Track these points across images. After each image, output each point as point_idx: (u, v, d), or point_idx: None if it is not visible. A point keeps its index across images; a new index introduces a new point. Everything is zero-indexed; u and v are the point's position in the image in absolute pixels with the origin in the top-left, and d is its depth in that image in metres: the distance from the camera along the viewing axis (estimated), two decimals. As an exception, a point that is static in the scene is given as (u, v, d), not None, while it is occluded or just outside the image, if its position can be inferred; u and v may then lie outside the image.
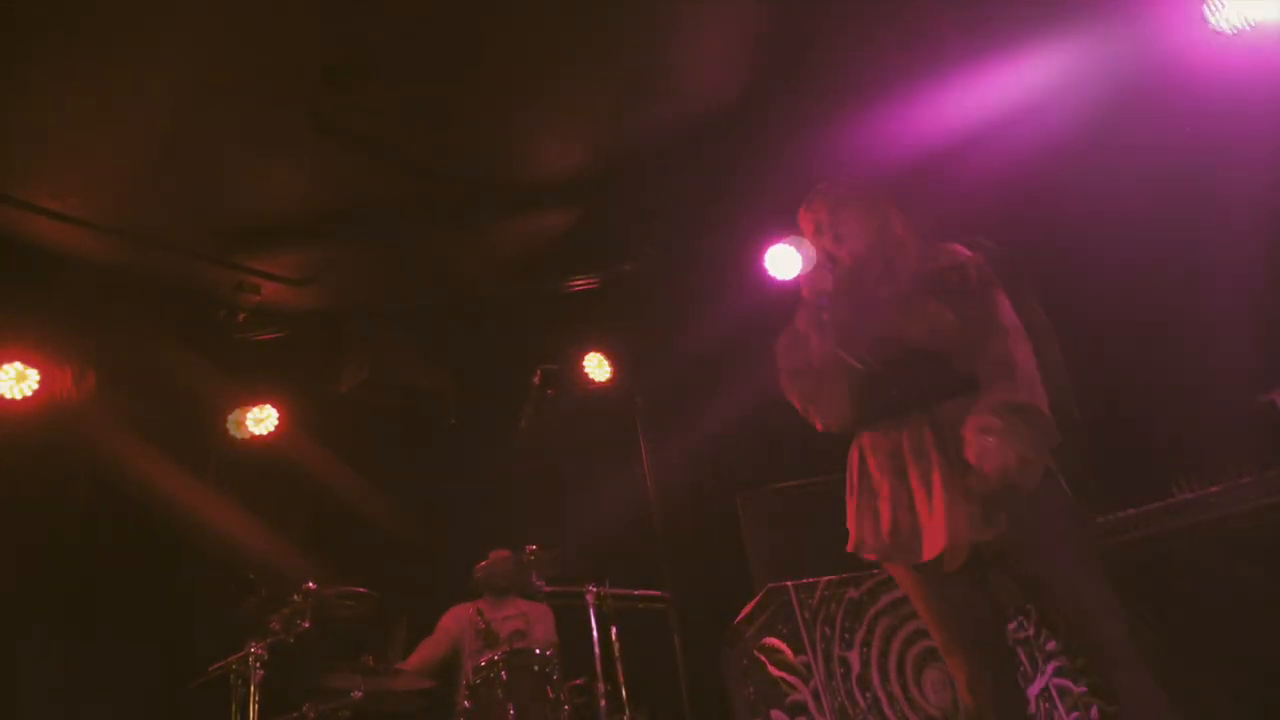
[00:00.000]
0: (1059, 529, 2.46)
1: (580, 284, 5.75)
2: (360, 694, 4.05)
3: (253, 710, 3.91)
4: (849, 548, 2.70)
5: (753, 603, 4.27)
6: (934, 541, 2.51)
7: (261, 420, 5.63)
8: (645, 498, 4.47)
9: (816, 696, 3.88)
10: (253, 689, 3.93)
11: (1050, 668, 3.89)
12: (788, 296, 2.76)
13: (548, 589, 4.32)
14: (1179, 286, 4.06)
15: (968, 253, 2.70)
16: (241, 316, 5.36)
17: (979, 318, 2.55)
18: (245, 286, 5.32)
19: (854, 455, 2.76)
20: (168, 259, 5.10)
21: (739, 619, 4.38)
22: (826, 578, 4.08)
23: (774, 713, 3.97)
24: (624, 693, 4.18)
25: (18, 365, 4.95)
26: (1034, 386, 2.47)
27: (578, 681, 4.29)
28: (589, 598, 4.24)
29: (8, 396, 4.87)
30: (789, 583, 4.05)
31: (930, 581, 2.60)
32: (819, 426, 2.73)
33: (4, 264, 4.80)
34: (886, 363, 2.63)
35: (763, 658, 4.11)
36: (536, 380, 5.11)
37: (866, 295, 2.66)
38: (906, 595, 2.71)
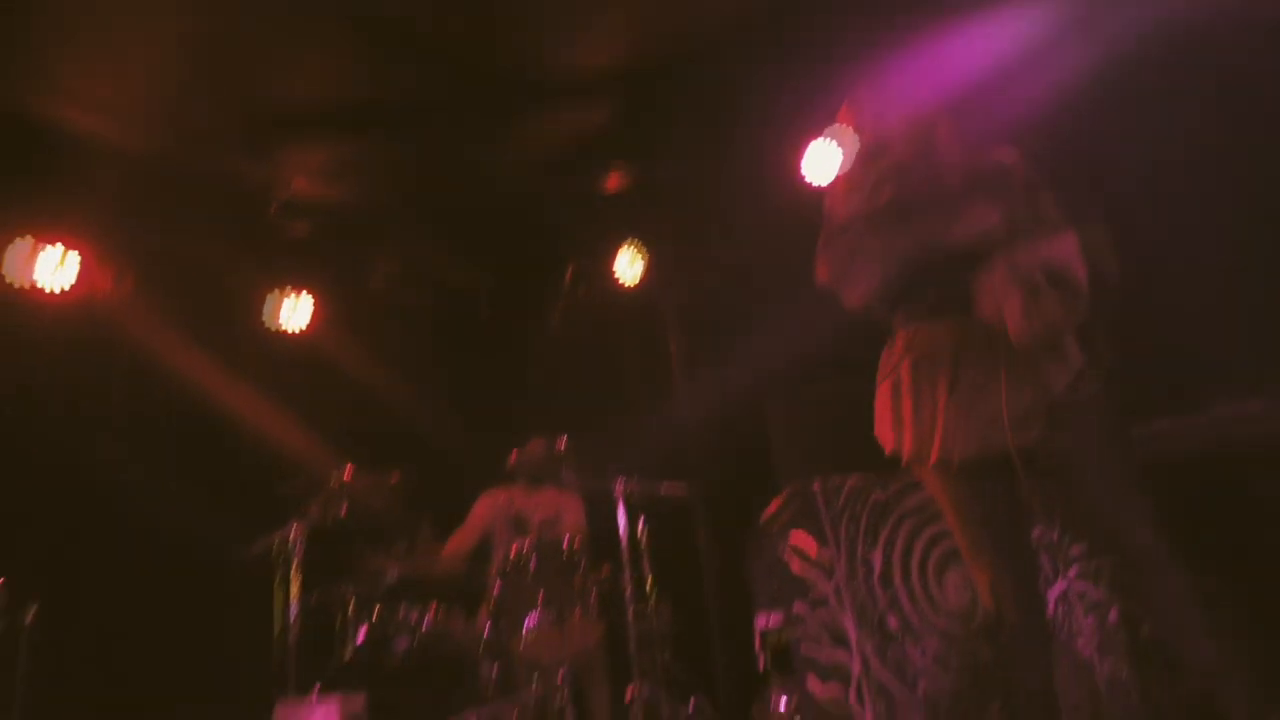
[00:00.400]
0: (1094, 436, 2.44)
1: (614, 182, 5.63)
2: (394, 577, 4.14)
3: (294, 587, 4.00)
4: (887, 450, 2.68)
5: (779, 500, 4.26)
6: (959, 444, 2.48)
7: (297, 311, 5.60)
8: (674, 395, 4.46)
9: (838, 592, 3.88)
10: (294, 567, 4.03)
11: (1072, 571, 3.88)
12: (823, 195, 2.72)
13: (578, 480, 4.35)
14: (1222, 175, 3.88)
15: (1014, 155, 2.64)
16: (274, 209, 5.36)
17: (1026, 217, 2.51)
18: (278, 180, 5.30)
19: (888, 355, 2.72)
20: (202, 151, 5.07)
21: (765, 516, 4.37)
22: (853, 478, 4.04)
23: (796, 604, 4.00)
24: (648, 582, 4.19)
25: (59, 247, 4.93)
26: (1079, 274, 2.43)
27: (604, 571, 4.25)
28: (617, 490, 4.19)
29: (47, 289, 4.87)
30: (816, 482, 4.03)
31: (957, 484, 2.57)
32: (847, 303, 2.68)
33: (42, 154, 4.77)
34: (928, 264, 2.59)
35: (787, 554, 4.13)
36: (568, 278, 5.08)
37: (907, 201, 2.60)
38: (932, 498, 2.69)
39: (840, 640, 3.81)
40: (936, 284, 2.58)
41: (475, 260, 5.95)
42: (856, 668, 3.75)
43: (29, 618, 3.79)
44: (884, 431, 2.68)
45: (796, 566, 4.05)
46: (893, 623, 3.82)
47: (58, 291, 4.88)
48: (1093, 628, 3.78)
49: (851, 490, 4.02)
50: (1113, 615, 3.72)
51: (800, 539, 4.07)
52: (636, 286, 5.44)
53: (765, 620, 4.30)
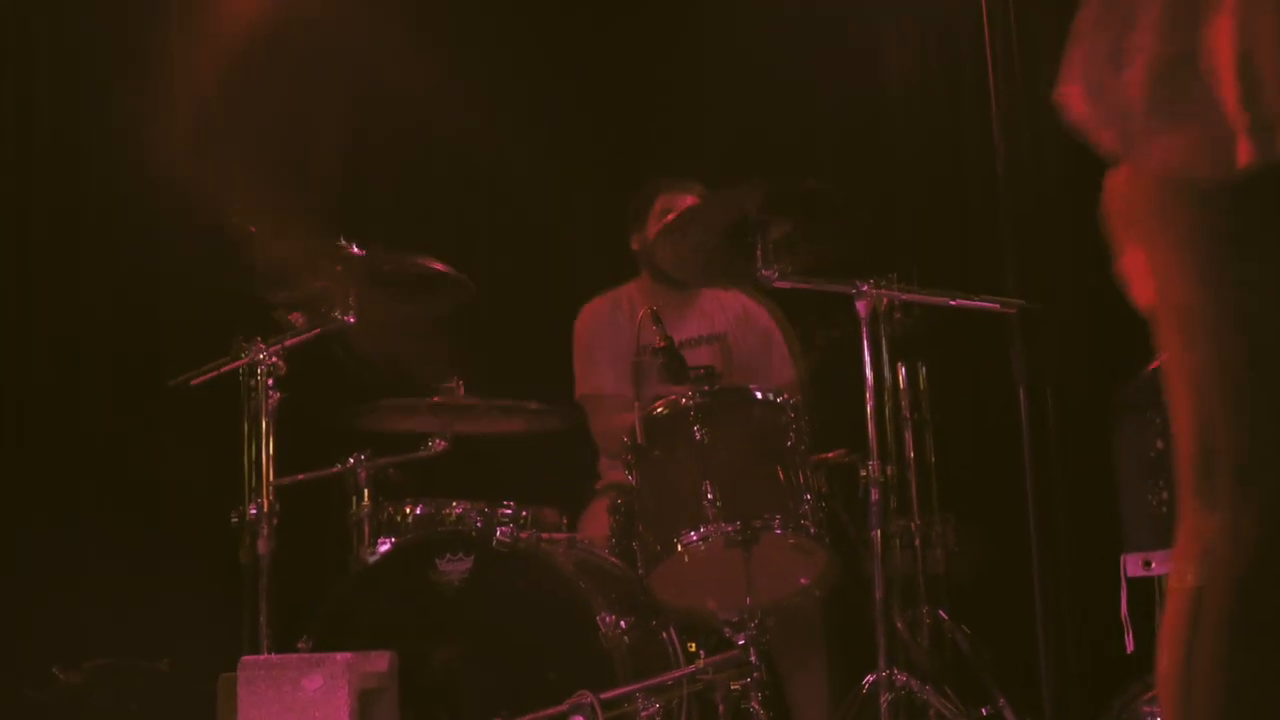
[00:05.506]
0: None
1: None
2: (445, 444, 3.61)
3: (265, 451, 3.36)
4: None
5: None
6: None
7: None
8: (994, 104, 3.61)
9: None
10: (263, 422, 3.38)
11: None
12: None
13: (785, 284, 3.45)
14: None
15: None
16: None
17: None
18: None
19: None
20: None
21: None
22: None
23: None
24: (914, 484, 3.68)
25: None
26: None
27: (831, 455, 3.62)
28: (861, 306, 3.38)
29: None
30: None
31: None
32: None
33: None
34: None
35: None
36: None
37: None
38: None
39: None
40: None
41: None
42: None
43: None
44: None
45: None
46: None
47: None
48: None
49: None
50: None
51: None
52: None
53: (1140, 564, 3.62)
